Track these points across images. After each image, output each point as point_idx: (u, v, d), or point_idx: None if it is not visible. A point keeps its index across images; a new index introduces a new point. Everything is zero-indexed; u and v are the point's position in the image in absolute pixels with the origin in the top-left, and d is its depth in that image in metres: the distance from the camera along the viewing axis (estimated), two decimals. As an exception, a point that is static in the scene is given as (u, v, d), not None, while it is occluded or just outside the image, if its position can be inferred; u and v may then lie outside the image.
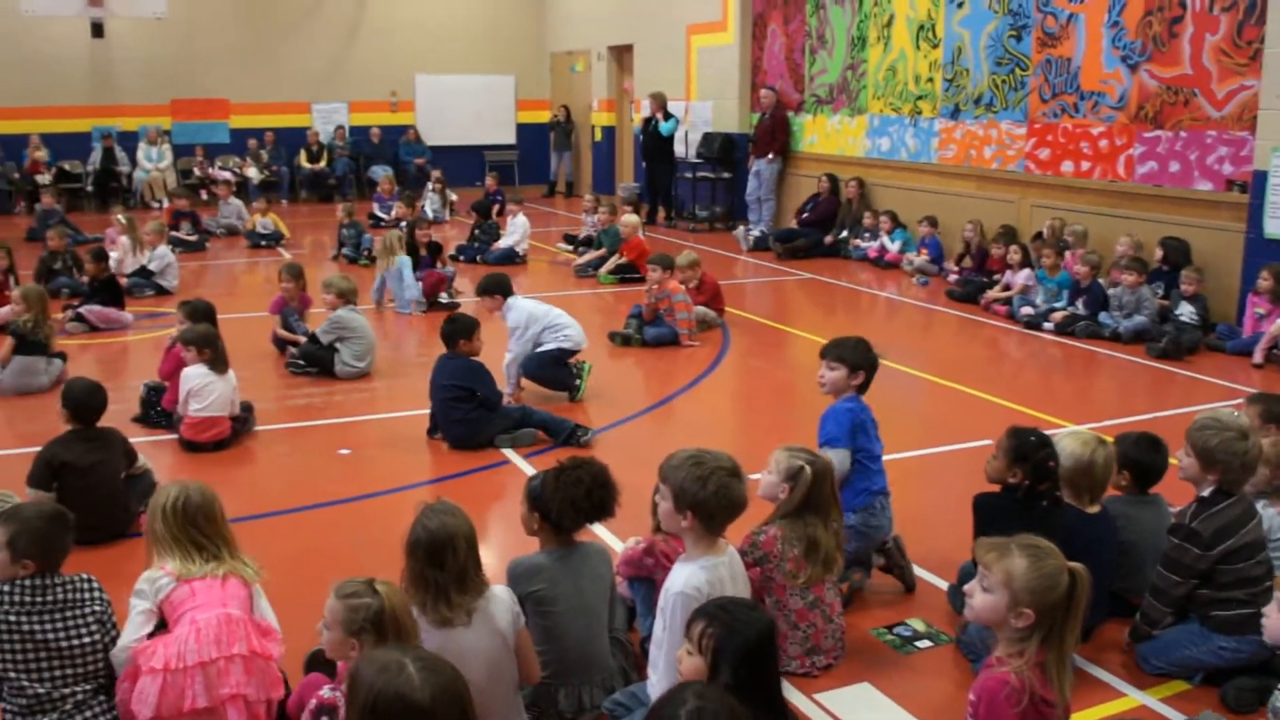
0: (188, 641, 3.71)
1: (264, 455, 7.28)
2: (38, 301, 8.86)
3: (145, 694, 3.64)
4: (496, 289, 8.28)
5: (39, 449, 5.85)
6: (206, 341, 7.29)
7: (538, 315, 8.29)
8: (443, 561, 3.58)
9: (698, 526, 3.76)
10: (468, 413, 7.21)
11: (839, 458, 4.83)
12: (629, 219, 13.64)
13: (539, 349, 8.25)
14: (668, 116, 18.16)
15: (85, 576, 3.85)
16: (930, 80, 14.22)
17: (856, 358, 5.06)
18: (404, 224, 13.83)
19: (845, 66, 15.82)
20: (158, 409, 7.66)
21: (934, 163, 14.28)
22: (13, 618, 3.66)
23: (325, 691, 3.33)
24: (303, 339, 9.39)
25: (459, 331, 7.33)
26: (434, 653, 2.88)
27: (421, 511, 3.70)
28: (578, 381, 8.30)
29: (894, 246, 14.18)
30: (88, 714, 3.73)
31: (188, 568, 3.92)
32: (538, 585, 3.96)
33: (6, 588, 3.69)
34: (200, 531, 3.97)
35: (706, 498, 3.70)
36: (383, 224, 17.75)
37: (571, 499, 4.02)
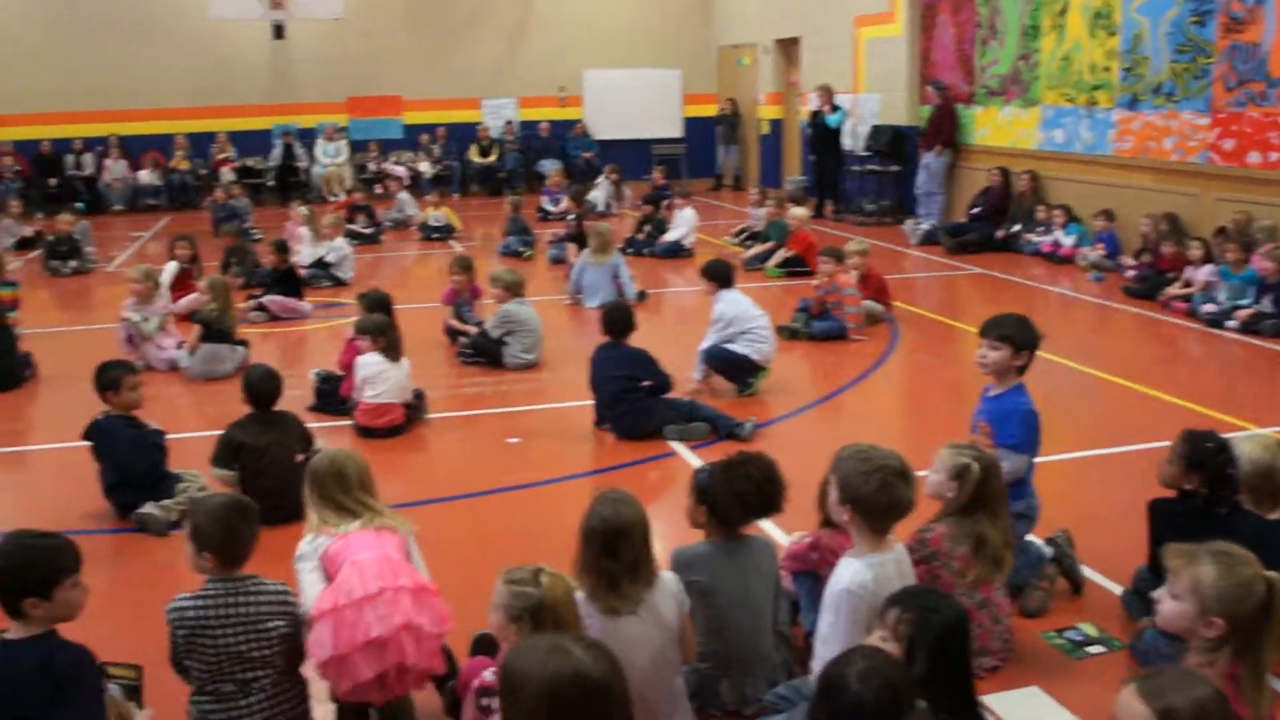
0: (351, 579, 3.73)
1: (436, 442, 7.45)
2: (222, 291, 9.29)
3: (320, 637, 3.65)
4: (716, 275, 8.42)
5: (221, 431, 6.12)
6: (381, 330, 7.53)
7: (744, 315, 8.31)
8: (616, 550, 3.61)
9: (858, 521, 3.74)
10: (635, 402, 7.28)
11: (1018, 464, 4.75)
12: (797, 211, 13.60)
13: (727, 345, 8.29)
14: (834, 109, 18.02)
15: (279, 589, 3.82)
16: (1107, 69, 13.80)
17: (1021, 336, 4.87)
18: (571, 216, 14.01)
19: (1017, 57, 15.46)
20: (333, 396, 7.88)
21: (1110, 154, 13.84)
22: (201, 637, 3.67)
23: (488, 674, 3.39)
24: (473, 330, 9.58)
25: (627, 322, 7.44)
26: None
27: (597, 499, 3.73)
28: (751, 379, 8.29)
29: (1068, 241, 13.83)
30: (281, 693, 3.79)
31: (342, 525, 4.01)
32: (701, 575, 3.98)
33: (190, 603, 3.70)
34: (350, 494, 4.06)
35: (868, 493, 3.67)
36: (550, 216, 18.15)
37: (740, 494, 4.01)
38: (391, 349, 7.49)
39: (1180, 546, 3.24)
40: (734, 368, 8.28)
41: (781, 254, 13.34)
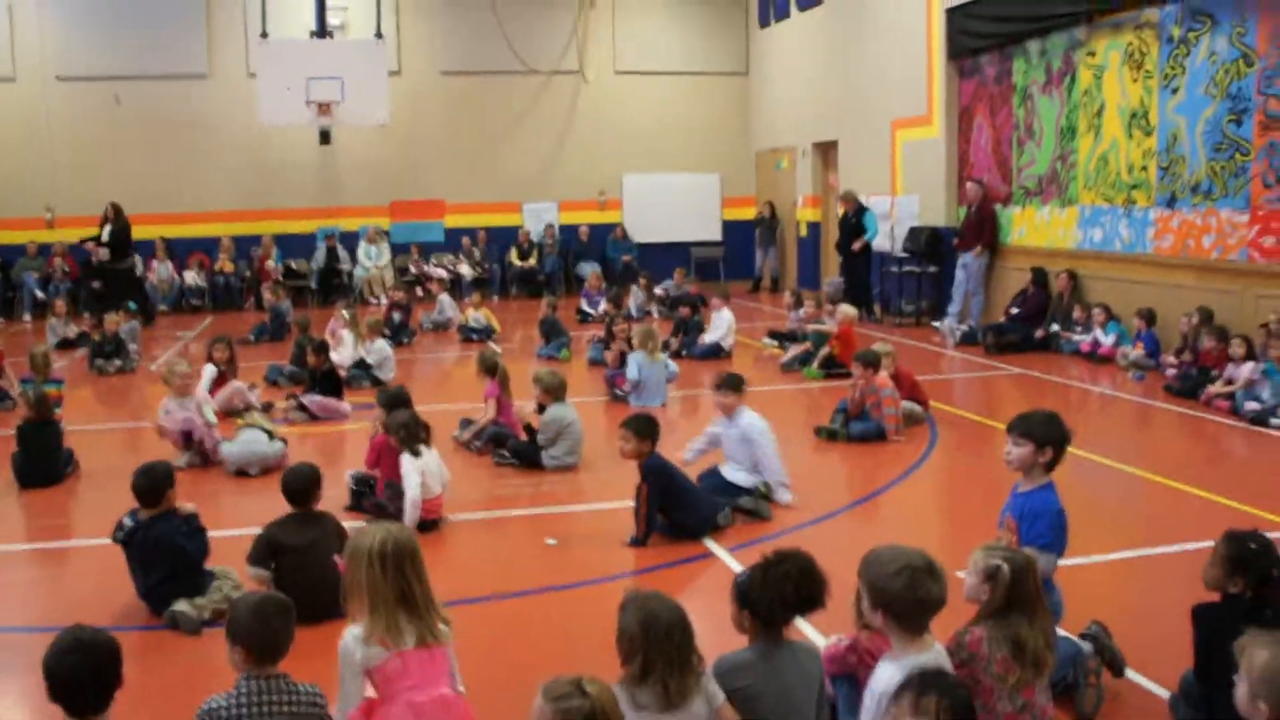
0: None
1: (471, 542, 7.41)
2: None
3: None
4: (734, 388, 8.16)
5: (259, 529, 6.12)
6: (402, 425, 7.55)
7: (768, 433, 8.09)
8: (652, 646, 3.60)
9: (891, 623, 3.73)
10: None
11: (1048, 564, 4.73)
12: (846, 309, 13.60)
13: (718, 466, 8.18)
14: (858, 214, 18.19)
15: (312, 691, 3.79)
16: (1144, 169, 13.83)
17: (1044, 432, 4.92)
18: (609, 317, 14.11)
19: (1054, 157, 15.53)
20: (369, 499, 7.86)
21: (1149, 253, 13.82)
22: None
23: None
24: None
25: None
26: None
27: (627, 598, 3.73)
28: (764, 488, 8.02)
29: (1108, 340, 13.77)
30: None
31: (397, 635, 3.91)
32: (744, 681, 3.93)
33: (223, 702, 3.69)
34: (404, 578, 3.99)
35: (896, 593, 3.66)
36: (590, 319, 18.27)
37: (780, 594, 3.99)
38: (411, 440, 7.47)
39: (1254, 633, 3.28)
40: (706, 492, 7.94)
41: (824, 352, 13.32)
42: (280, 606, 3.84)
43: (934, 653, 3.79)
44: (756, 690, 3.92)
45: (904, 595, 3.65)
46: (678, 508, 7.22)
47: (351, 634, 3.95)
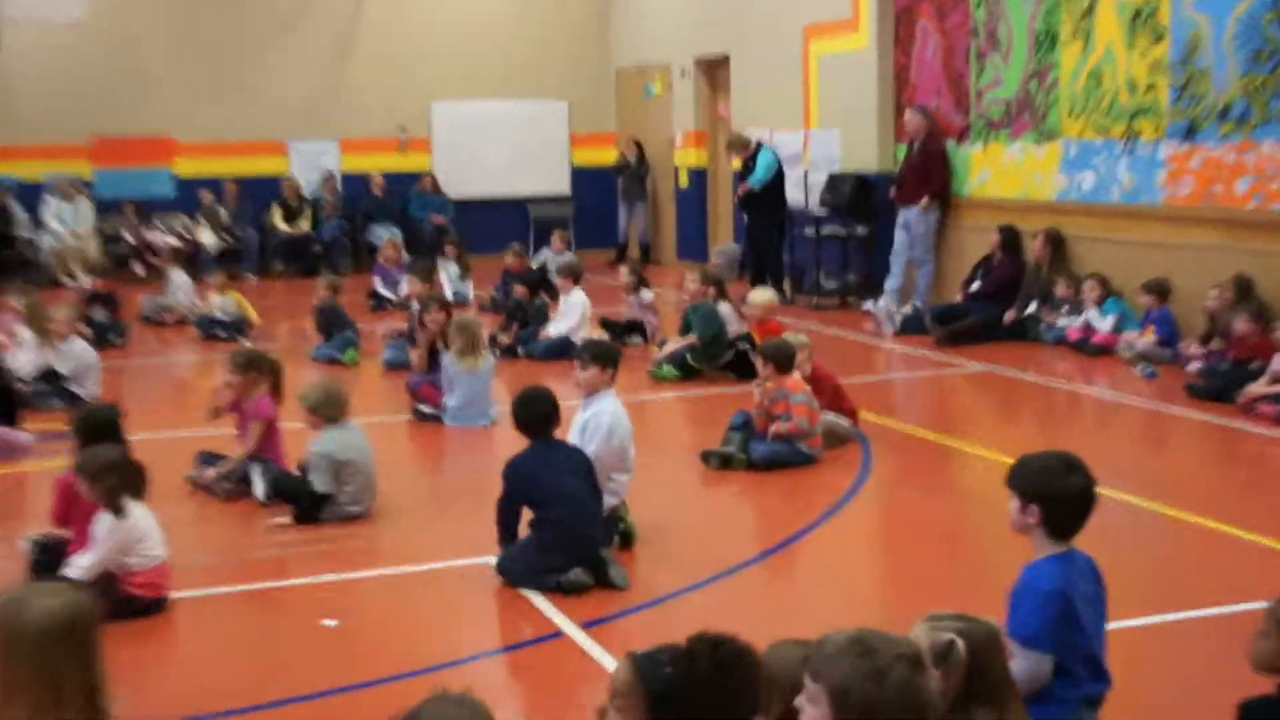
0: None
1: (214, 631, 7.28)
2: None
3: None
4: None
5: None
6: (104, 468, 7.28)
7: (624, 433, 8.27)
8: None
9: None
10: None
11: (1035, 665, 4.80)
12: (759, 297, 13.53)
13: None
14: (752, 158, 18.41)
15: None
16: (1152, 88, 14.10)
17: (1028, 481, 5.05)
18: (412, 305, 14.05)
19: (1028, 75, 15.77)
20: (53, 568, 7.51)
21: (1160, 204, 14.10)
22: None
23: None
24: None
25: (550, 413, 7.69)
26: None
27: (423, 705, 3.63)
28: (622, 525, 8.21)
29: (1105, 324, 13.98)
30: None
31: None
32: None
33: None
34: (71, 660, 4.01)
35: (884, 701, 3.51)
36: (389, 306, 18.27)
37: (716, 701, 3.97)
38: (116, 492, 7.22)
39: None
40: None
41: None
42: None
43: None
44: None
45: (896, 703, 3.51)
46: (545, 523, 7.47)
47: None
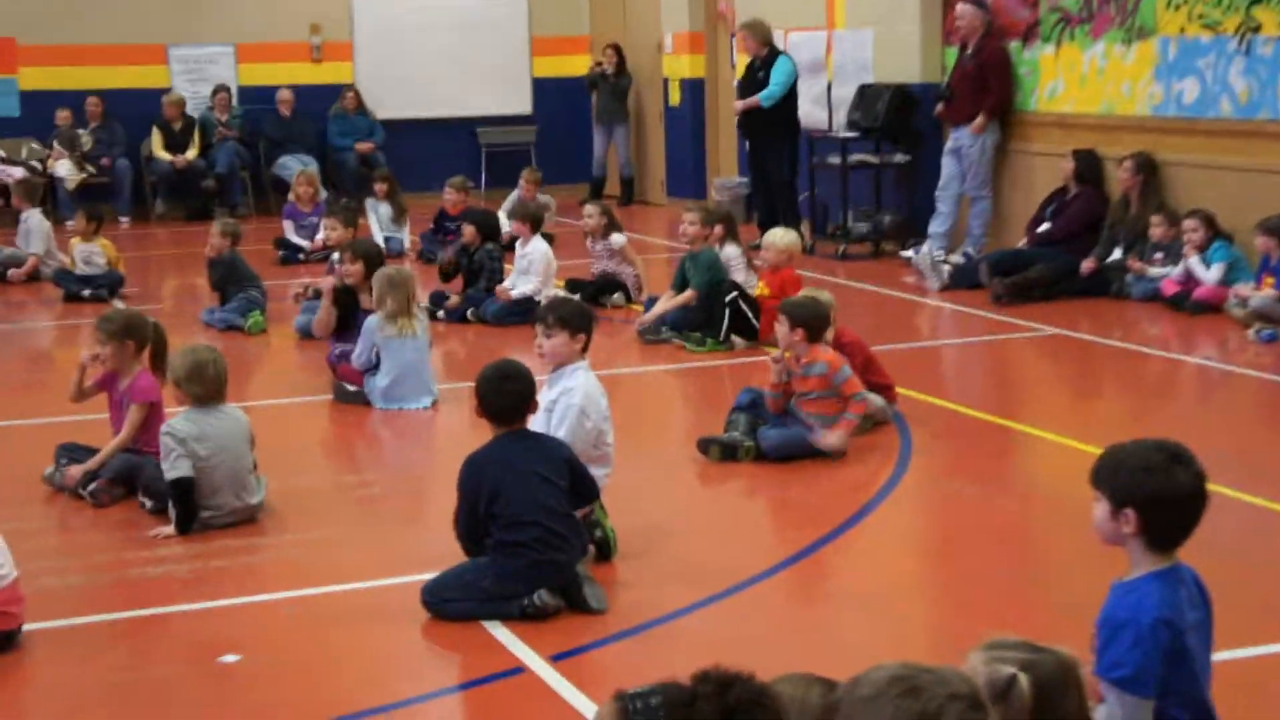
0: None
1: (76, 670, 6.92)
2: None
3: None
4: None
5: None
6: None
7: (600, 416, 8.17)
8: None
9: None
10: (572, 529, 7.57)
11: (1132, 713, 4.65)
12: (779, 238, 13.13)
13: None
14: (766, 64, 17.90)
15: None
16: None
17: (1118, 480, 4.82)
18: (333, 257, 13.85)
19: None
20: None
21: (1283, 120, 13.95)
22: None
23: None
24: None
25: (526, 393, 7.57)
26: None
27: None
28: (599, 532, 8.03)
29: (1210, 274, 13.54)
30: None
31: None
32: None
33: None
34: None
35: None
36: (301, 257, 18.02)
37: None
38: None
39: None
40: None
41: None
42: None
43: None
44: None
45: None
46: (509, 546, 7.17)
47: None
